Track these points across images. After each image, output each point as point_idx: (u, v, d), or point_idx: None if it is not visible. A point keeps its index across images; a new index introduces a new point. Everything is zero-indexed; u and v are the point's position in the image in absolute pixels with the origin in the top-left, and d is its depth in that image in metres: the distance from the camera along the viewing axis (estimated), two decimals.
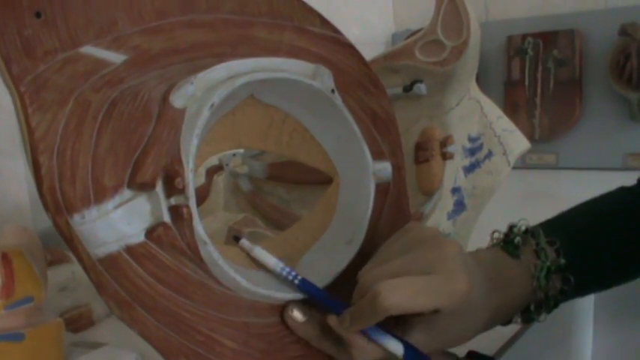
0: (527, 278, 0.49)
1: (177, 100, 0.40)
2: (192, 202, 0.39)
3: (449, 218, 0.83)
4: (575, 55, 1.45)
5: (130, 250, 0.38)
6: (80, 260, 0.38)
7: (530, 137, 1.27)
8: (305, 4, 0.48)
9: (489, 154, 0.97)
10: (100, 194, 0.37)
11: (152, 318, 0.39)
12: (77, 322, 0.64)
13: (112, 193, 0.37)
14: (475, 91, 0.91)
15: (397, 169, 0.53)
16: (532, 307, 0.51)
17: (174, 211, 0.39)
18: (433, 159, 0.78)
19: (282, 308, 0.45)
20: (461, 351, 0.48)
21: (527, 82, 1.51)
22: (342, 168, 0.51)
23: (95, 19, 0.39)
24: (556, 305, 0.51)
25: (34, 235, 0.53)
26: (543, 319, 0.51)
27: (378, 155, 0.50)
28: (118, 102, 0.38)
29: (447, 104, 0.81)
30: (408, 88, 0.78)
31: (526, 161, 1.51)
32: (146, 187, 0.38)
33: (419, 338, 0.44)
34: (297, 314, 0.45)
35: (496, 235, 0.53)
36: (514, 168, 0.98)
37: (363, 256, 0.48)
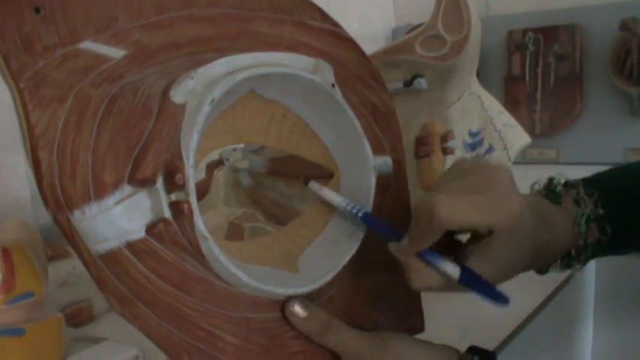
0: (569, 223, 0.51)
1: (177, 95, 0.40)
2: (193, 198, 0.39)
3: None
4: (575, 50, 1.45)
5: (130, 246, 0.38)
6: (81, 256, 0.37)
7: (531, 132, 1.27)
8: None
9: (490, 149, 0.97)
10: (100, 190, 0.37)
11: (153, 314, 0.39)
12: (78, 317, 0.64)
13: (112, 189, 0.37)
14: (476, 86, 0.91)
15: (398, 163, 0.53)
16: (573, 253, 0.52)
17: (175, 207, 0.39)
18: (434, 154, 0.79)
19: (283, 303, 0.45)
20: (462, 346, 0.48)
21: (527, 77, 1.50)
22: (343, 163, 0.51)
23: (94, 15, 0.39)
24: (594, 255, 0.53)
25: (35, 230, 0.53)
26: (580, 268, 0.53)
27: (378, 150, 0.50)
28: (118, 98, 0.38)
29: (447, 99, 0.81)
30: (408, 83, 0.77)
31: (526, 156, 1.51)
32: (146, 183, 0.38)
33: (474, 265, 0.44)
34: (298, 309, 0.45)
35: (536, 186, 0.55)
36: (515, 163, 0.98)
37: (364, 251, 0.48)
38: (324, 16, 0.49)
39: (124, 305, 0.38)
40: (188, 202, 0.38)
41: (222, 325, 0.42)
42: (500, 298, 0.43)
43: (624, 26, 1.36)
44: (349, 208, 0.48)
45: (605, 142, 1.45)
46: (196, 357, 0.41)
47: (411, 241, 0.44)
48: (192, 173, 0.39)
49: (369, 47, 0.59)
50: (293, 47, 0.47)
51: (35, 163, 0.36)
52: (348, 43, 0.50)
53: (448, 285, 0.44)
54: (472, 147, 0.95)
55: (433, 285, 0.45)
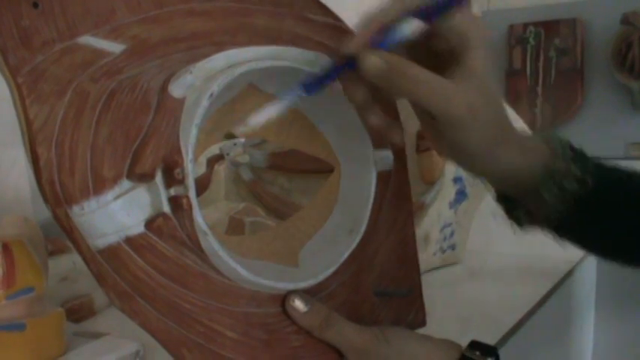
0: (545, 149, 0.47)
1: (176, 89, 0.40)
2: (192, 193, 0.39)
3: (450, 207, 0.83)
4: (576, 44, 1.44)
5: (129, 241, 0.38)
6: (80, 252, 0.37)
7: (532, 126, 1.27)
8: None
9: None
10: (99, 185, 0.37)
11: (152, 309, 0.39)
12: (78, 312, 0.64)
13: (111, 184, 0.37)
14: None
15: (399, 157, 0.52)
16: (542, 191, 0.47)
17: (174, 201, 0.39)
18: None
19: (283, 298, 0.45)
20: (463, 341, 0.48)
21: (528, 71, 1.50)
22: (343, 157, 0.51)
23: (93, 9, 0.39)
24: (567, 218, 0.47)
25: (35, 225, 0.53)
26: (548, 229, 0.49)
27: (379, 143, 0.50)
28: (117, 92, 0.38)
29: None
30: None
31: None
32: (145, 177, 0.38)
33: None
34: (298, 304, 0.45)
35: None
36: None
37: (364, 246, 0.48)
38: (325, 10, 0.49)
39: (124, 300, 0.38)
40: (187, 197, 0.38)
41: (222, 319, 0.42)
42: None
43: (625, 20, 1.36)
44: (290, 97, 0.43)
45: (606, 136, 1.44)
46: (196, 352, 0.41)
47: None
48: (192, 168, 0.39)
49: None
50: (293, 41, 0.47)
51: (34, 159, 0.36)
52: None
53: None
54: None
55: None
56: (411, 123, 0.60)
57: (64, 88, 0.37)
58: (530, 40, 1.49)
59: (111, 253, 0.37)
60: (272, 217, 0.78)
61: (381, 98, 0.46)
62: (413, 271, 0.54)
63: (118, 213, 0.37)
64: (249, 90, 0.47)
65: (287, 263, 0.48)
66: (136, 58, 0.40)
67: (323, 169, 0.52)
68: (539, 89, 1.49)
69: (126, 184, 0.38)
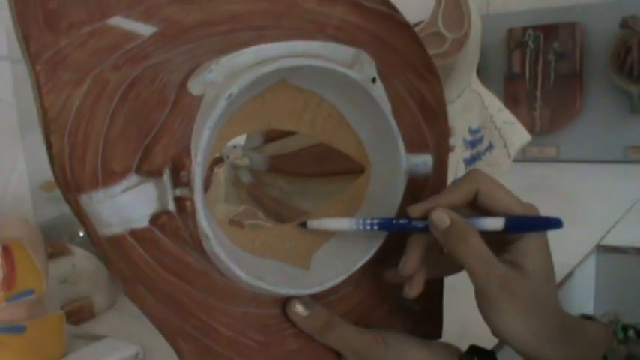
0: (602, 329, 0.48)
1: (194, 86, 0.38)
2: (197, 196, 0.38)
3: None
4: (575, 48, 1.45)
5: (134, 233, 0.38)
6: (89, 235, 0.37)
7: (531, 130, 1.27)
8: None
9: (490, 147, 0.97)
10: (107, 177, 0.37)
11: (153, 297, 0.39)
12: (78, 314, 0.64)
13: (119, 178, 0.37)
14: (476, 83, 0.91)
15: (439, 163, 0.50)
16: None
17: (179, 202, 0.38)
18: None
19: (284, 300, 0.44)
20: (461, 345, 0.48)
21: (527, 75, 1.51)
22: (375, 160, 0.48)
23: None
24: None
25: (35, 227, 0.53)
26: None
27: (419, 147, 0.48)
28: (137, 83, 0.37)
29: (447, 96, 0.81)
30: None
31: (526, 154, 1.52)
32: (153, 174, 0.38)
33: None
34: (299, 308, 0.44)
35: None
36: (515, 161, 0.98)
37: (383, 256, 0.46)
38: None
39: (127, 285, 0.38)
40: (191, 200, 0.38)
41: (220, 317, 0.41)
42: (553, 222, 0.41)
43: (624, 24, 1.37)
44: (361, 227, 0.44)
45: (605, 140, 1.45)
46: (191, 343, 0.40)
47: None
48: (199, 171, 0.38)
49: None
50: (342, 28, 0.44)
51: (47, 145, 0.35)
52: (404, 28, 0.47)
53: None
54: (472, 144, 0.95)
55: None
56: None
57: (83, 76, 0.36)
58: (530, 43, 1.50)
59: (115, 242, 0.37)
60: (272, 219, 0.78)
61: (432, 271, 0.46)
62: (435, 282, 0.52)
63: (125, 206, 0.37)
64: (281, 84, 0.44)
65: (298, 265, 0.46)
66: (166, 43, 0.38)
67: (324, 172, 0.52)
68: (539, 93, 1.50)
69: (134, 178, 0.37)
